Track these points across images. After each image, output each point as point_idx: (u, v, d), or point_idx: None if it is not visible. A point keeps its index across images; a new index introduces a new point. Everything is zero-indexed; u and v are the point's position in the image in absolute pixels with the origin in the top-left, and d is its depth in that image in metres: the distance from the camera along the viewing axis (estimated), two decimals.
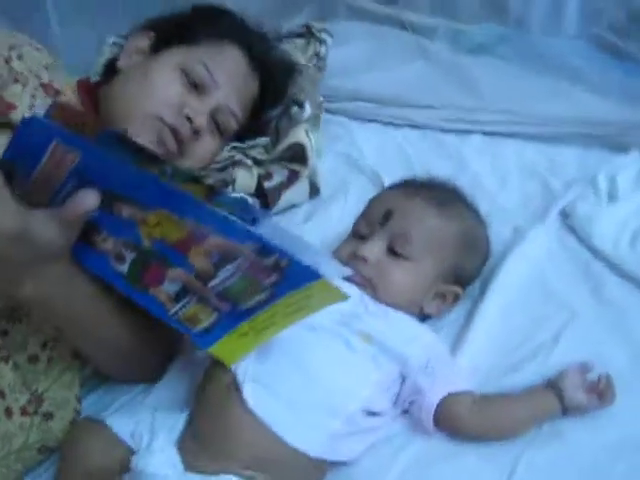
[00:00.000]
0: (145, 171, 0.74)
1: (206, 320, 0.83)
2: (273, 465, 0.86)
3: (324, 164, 1.42)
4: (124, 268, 0.82)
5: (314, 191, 1.35)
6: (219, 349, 0.85)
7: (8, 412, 0.92)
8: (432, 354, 0.96)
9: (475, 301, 1.11)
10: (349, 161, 1.43)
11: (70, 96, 1.14)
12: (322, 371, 0.90)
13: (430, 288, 1.03)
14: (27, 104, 1.04)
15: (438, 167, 1.37)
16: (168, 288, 0.81)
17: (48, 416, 0.97)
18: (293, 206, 1.34)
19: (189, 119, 1.13)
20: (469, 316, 1.09)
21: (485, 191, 1.31)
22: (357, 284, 1.00)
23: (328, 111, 1.52)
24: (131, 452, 0.88)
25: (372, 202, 1.11)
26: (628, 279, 1.12)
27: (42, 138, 0.72)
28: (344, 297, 0.77)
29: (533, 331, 1.07)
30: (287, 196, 1.31)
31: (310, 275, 0.73)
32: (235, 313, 0.80)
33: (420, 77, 1.58)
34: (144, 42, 1.23)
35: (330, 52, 1.58)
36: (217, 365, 0.90)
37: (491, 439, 0.94)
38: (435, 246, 1.02)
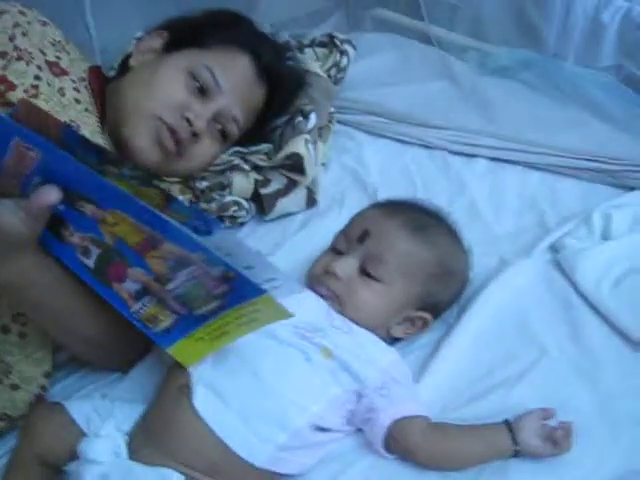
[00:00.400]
0: (101, 175, 0.77)
1: (165, 321, 0.85)
2: (217, 471, 0.88)
3: (328, 175, 1.44)
4: (90, 262, 0.85)
5: (311, 201, 1.36)
6: (177, 350, 0.87)
7: None
8: (389, 377, 0.96)
9: (450, 327, 1.11)
10: (353, 174, 1.44)
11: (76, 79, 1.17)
12: (275, 383, 0.91)
13: (398, 312, 1.04)
14: (30, 82, 1.08)
15: (438, 189, 1.39)
16: (129, 286, 0.84)
17: (13, 387, 1.01)
18: (289, 214, 1.36)
19: (189, 121, 1.17)
20: (440, 342, 1.09)
21: (480, 217, 1.32)
22: (325, 298, 1.02)
23: (341, 122, 1.55)
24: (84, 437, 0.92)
25: (353, 219, 1.11)
26: (606, 321, 1.11)
27: (6, 135, 0.76)
28: (289, 315, 0.78)
29: (501, 364, 1.06)
30: (283, 204, 1.33)
31: (255, 290, 0.75)
32: (191, 318, 0.82)
33: (439, 96, 1.59)
34: (157, 42, 1.27)
35: (352, 63, 1.60)
36: (177, 365, 0.92)
37: (438, 468, 0.94)
38: (407, 271, 1.02)
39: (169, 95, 1.17)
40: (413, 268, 1.03)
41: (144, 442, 0.90)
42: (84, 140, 0.79)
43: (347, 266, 1.02)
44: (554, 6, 1.67)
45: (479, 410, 1.00)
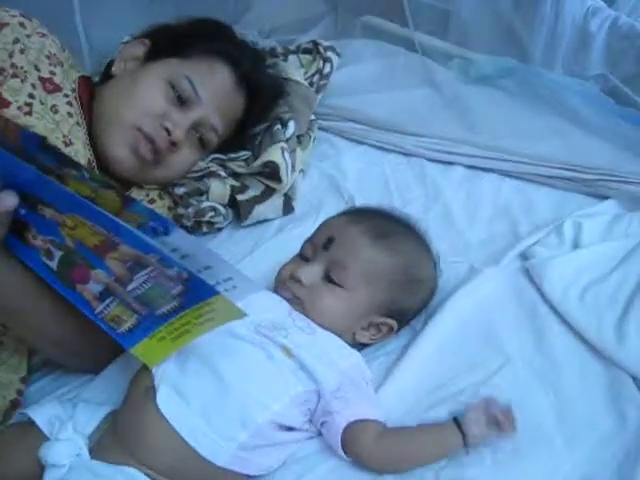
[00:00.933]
0: (61, 178, 0.79)
1: (128, 321, 0.87)
2: (181, 472, 0.90)
3: (307, 181, 1.46)
4: (53, 264, 0.88)
5: (288, 208, 1.38)
6: (140, 350, 0.89)
7: None
8: (346, 380, 0.97)
9: (416, 334, 1.12)
10: (331, 181, 1.46)
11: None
12: (237, 381, 0.92)
13: (362, 318, 1.05)
14: (24, 100, 1.10)
15: (414, 196, 1.41)
16: (93, 288, 0.86)
17: None
18: (266, 220, 1.38)
19: (167, 131, 1.19)
20: (406, 348, 1.10)
21: (453, 225, 1.34)
22: (289, 302, 1.04)
23: (323, 129, 1.57)
24: None
25: (320, 226, 1.13)
26: (571, 330, 1.12)
27: None
28: (243, 314, 0.80)
29: (464, 371, 1.08)
30: (260, 210, 1.35)
31: (208, 290, 0.77)
32: (153, 317, 0.84)
33: (420, 104, 1.60)
34: (139, 49, 1.29)
35: (337, 70, 1.63)
36: (144, 366, 0.95)
37: (393, 471, 0.95)
38: (370, 278, 1.04)
39: (149, 104, 1.20)
40: (375, 275, 1.04)
41: (111, 444, 0.92)
42: (43, 144, 0.81)
43: (311, 272, 1.04)
44: (543, 14, 1.69)
45: (440, 416, 1.00)
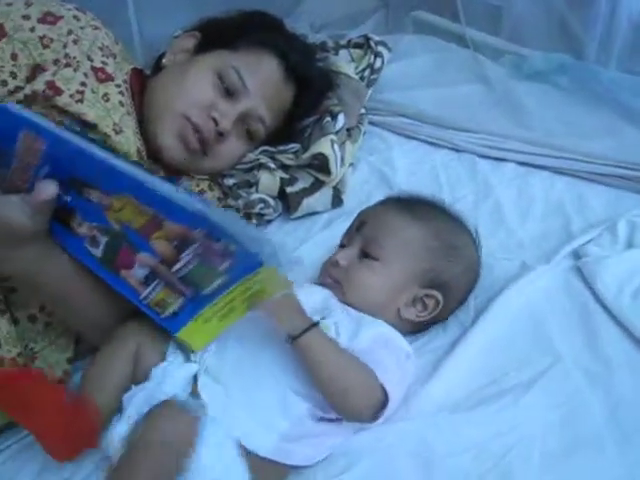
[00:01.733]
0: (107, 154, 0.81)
1: (174, 304, 0.88)
2: None
3: (356, 175, 1.46)
4: (98, 252, 0.89)
5: (337, 201, 1.38)
6: (186, 334, 0.90)
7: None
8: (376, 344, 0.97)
9: (465, 330, 1.11)
10: (381, 176, 1.46)
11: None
12: (276, 370, 0.93)
13: (403, 290, 1.05)
14: (75, 88, 1.11)
15: (465, 192, 1.39)
16: (138, 273, 0.87)
17: None
18: (315, 212, 1.38)
19: (215, 121, 1.20)
20: (455, 344, 1.09)
21: (504, 222, 1.32)
22: (329, 286, 1.05)
23: (373, 124, 1.56)
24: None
25: (355, 217, 1.15)
26: (623, 331, 1.10)
27: (15, 126, 0.81)
28: (290, 284, 0.84)
29: (513, 369, 1.06)
30: (309, 203, 1.36)
31: (256, 261, 0.78)
32: (198, 298, 0.85)
33: (471, 100, 1.60)
34: (189, 42, 1.31)
35: (388, 65, 1.62)
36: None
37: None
38: (404, 247, 1.05)
39: (197, 95, 1.21)
40: (408, 243, 1.05)
41: None
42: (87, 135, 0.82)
43: (347, 254, 1.07)
44: (598, 10, 1.66)
45: (489, 413, 1.00)
